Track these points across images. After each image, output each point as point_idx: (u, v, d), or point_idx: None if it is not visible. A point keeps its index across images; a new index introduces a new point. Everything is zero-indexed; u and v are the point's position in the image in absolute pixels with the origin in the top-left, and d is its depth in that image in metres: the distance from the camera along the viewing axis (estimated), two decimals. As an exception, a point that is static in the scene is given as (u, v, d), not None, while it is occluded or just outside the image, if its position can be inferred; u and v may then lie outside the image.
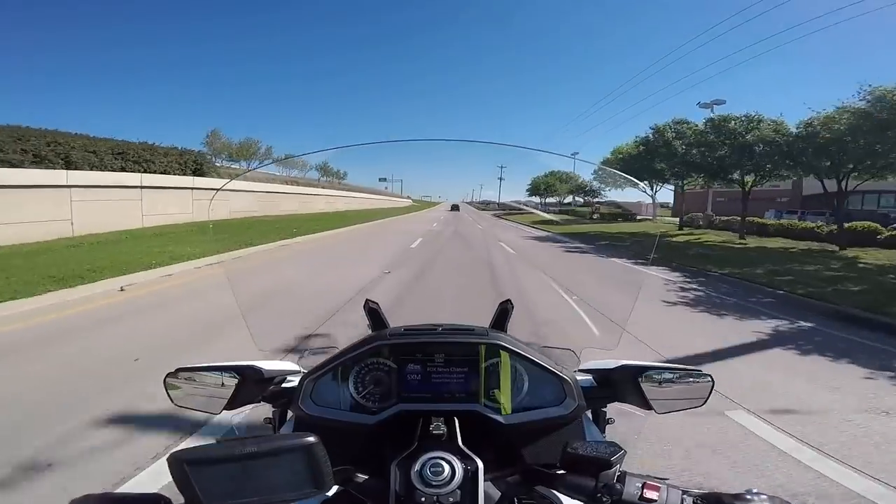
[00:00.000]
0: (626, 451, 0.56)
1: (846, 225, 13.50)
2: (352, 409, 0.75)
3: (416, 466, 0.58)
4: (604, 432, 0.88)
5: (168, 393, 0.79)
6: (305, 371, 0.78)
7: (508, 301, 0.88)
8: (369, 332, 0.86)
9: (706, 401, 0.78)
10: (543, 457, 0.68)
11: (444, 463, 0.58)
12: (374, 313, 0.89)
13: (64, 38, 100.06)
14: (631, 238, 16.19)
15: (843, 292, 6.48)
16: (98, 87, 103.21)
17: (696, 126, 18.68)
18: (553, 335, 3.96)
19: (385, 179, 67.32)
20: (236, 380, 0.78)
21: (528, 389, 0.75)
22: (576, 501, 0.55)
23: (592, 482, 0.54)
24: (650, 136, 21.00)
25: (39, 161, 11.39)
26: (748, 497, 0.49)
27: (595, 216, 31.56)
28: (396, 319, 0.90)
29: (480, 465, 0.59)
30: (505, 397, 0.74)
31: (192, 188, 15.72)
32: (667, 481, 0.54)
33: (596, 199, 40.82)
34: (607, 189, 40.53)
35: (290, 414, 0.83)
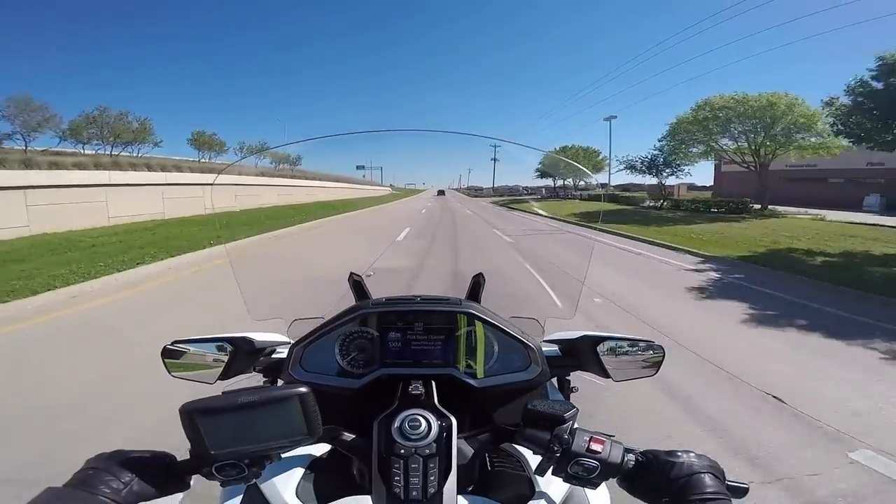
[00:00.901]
0: (578, 409, 0.63)
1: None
2: (338, 374, 0.81)
3: (396, 423, 0.64)
4: (568, 399, 0.94)
5: (165, 364, 0.84)
6: (294, 341, 0.83)
7: (480, 274, 0.95)
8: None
9: (658, 369, 0.86)
10: (512, 418, 0.74)
11: (421, 419, 0.64)
12: (357, 285, 0.94)
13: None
14: None
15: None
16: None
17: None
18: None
19: (363, 167, 64.46)
20: (230, 350, 0.83)
21: (497, 356, 0.82)
22: (536, 457, 0.62)
23: (547, 435, 0.60)
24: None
25: None
26: (679, 454, 0.57)
27: (664, 205, 22.37)
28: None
29: (454, 421, 0.65)
30: (478, 363, 0.81)
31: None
32: (612, 438, 0.61)
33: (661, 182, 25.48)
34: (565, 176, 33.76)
35: (280, 382, 0.88)
